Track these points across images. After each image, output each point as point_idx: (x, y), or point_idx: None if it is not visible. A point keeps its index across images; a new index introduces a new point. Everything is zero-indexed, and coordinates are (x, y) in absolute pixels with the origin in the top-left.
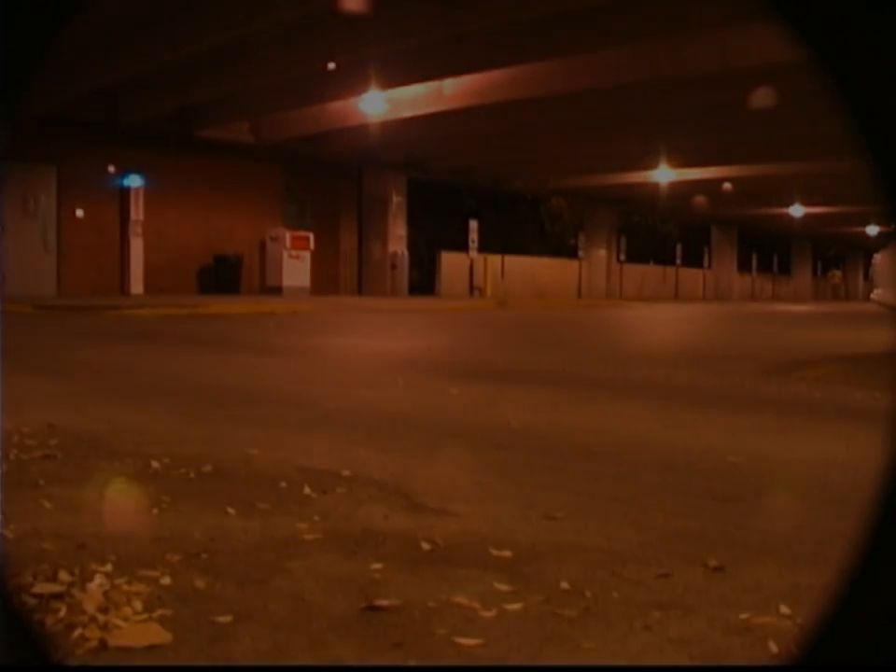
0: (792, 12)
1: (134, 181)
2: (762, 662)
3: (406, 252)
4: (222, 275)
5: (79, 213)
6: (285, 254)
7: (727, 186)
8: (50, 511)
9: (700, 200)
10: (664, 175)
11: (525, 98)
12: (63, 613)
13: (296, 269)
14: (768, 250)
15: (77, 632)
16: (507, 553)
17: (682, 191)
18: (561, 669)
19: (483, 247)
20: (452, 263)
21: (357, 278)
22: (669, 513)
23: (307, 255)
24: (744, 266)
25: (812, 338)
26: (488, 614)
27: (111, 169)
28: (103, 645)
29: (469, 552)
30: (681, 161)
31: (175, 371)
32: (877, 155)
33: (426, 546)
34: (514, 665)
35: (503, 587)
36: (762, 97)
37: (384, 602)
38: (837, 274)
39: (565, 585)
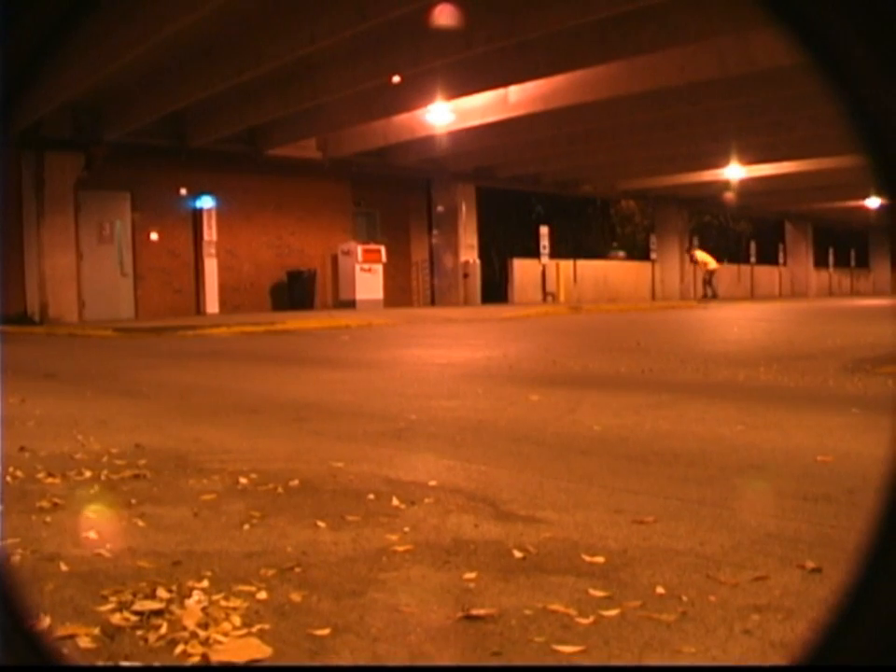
0: (791, 20)
1: (206, 203)
2: (763, 662)
3: (478, 261)
4: (296, 291)
5: (154, 236)
6: (357, 268)
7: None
8: (144, 529)
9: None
10: (735, 172)
11: (590, 102)
12: (164, 630)
13: (368, 282)
14: (845, 244)
15: (180, 648)
16: (599, 559)
17: (754, 188)
18: (563, 669)
19: (554, 253)
20: (524, 270)
21: (430, 289)
22: (761, 515)
23: (379, 268)
24: (820, 261)
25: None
26: (585, 621)
27: (183, 192)
28: (205, 660)
29: (561, 558)
30: (753, 157)
31: (254, 388)
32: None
33: (518, 554)
34: (519, 664)
35: (598, 593)
36: None
37: (480, 611)
38: (698, 257)
39: (660, 590)
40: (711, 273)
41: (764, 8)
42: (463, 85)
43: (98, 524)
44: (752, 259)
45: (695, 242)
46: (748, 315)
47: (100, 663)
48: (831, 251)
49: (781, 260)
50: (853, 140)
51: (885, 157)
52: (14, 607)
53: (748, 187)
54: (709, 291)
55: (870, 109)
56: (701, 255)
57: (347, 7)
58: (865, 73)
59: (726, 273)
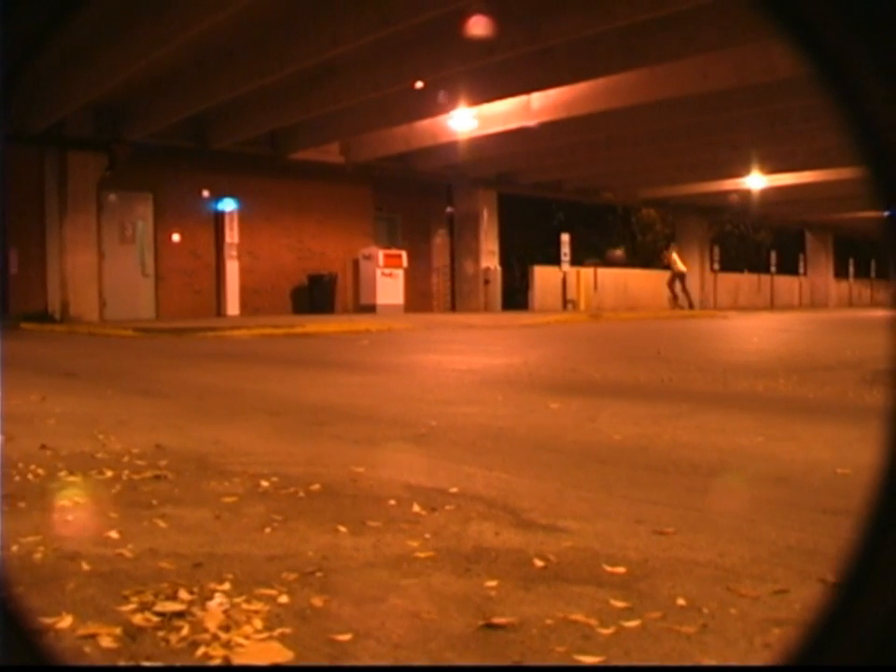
0: (798, 30)
1: (228, 205)
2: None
3: (499, 267)
4: (316, 295)
5: (176, 237)
6: (378, 272)
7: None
8: (165, 530)
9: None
10: (756, 182)
11: (612, 109)
12: (185, 631)
13: (389, 287)
14: (865, 255)
15: (202, 650)
16: (620, 570)
17: (775, 198)
18: (563, 669)
19: (575, 260)
20: (544, 277)
21: (451, 295)
22: (781, 528)
23: (400, 273)
24: (840, 272)
25: None
26: (606, 631)
27: (205, 194)
28: (227, 663)
29: (581, 568)
30: (773, 166)
31: (274, 390)
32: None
33: (538, 563)
34: (517, 664)
35: (619, 604)
36: None
37: (501, 620)
38: (673, 257)
39: (681, 602)
40: (679, 276)
41: (767, 18)
42: (485, 91)
43: (119, 523)
44: (773, 269)
45: (672, 245)
46: (767, 326)
47: (121, 663)
48: (851, 262)
49: (801, 270)
50: (853, 151)
51: (886, 168)
52: (15, 606)
53: (768, 196)
54: (684, 300)
55: (872, 121)
56: (675, 256)
57: (371, 11)
58: (867, 84)
59: (746, 283)
